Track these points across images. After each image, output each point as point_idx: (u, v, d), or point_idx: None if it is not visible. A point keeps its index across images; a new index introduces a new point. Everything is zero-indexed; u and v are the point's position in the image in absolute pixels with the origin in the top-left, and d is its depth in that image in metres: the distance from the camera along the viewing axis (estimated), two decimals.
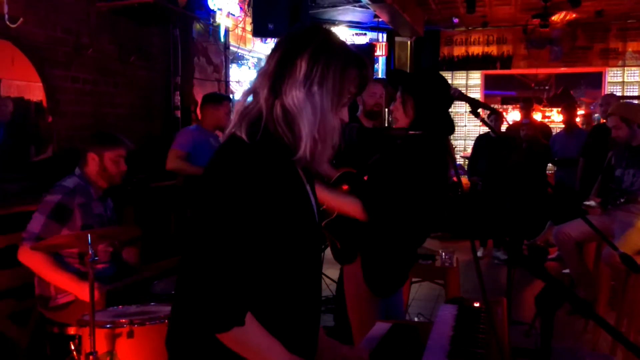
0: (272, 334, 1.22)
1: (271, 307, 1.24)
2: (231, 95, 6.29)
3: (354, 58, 1.24)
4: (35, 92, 3.64)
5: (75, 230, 2.62)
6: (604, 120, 5.27)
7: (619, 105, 4.19)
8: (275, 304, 1.25)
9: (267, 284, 1.22)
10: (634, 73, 9.49)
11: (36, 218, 2.61)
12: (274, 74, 1.20)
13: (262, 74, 1.24)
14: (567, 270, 5.44)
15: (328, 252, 5.05)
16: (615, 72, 9.55)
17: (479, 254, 6.40)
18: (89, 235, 2.26)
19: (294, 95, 1.17)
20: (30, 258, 2.57)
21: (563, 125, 6.43)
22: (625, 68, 9.48)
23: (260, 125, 1.19)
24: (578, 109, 7.57)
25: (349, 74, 1.22)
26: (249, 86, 1.27)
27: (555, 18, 8.15)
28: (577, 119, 6.98)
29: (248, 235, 1.14)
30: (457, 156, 9.35)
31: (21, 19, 3.41)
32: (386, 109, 6.89)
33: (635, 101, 8.03)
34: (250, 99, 1.25)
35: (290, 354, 1.24)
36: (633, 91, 9.43)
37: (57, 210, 2.61)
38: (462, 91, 2.42)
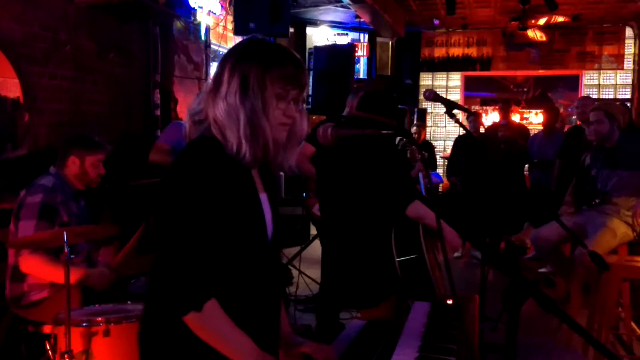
0: None
1: (225, 299, 1.31)
2: None
3: (273, 58, 1.34)
4: (12, 88, 3.59)
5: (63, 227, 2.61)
6: (580, 122, 5.37)
7: (604, 102, 4.27)
8: (227, 296, 1.32)
9: (219, 275, 1.31)
10: (610, 76, 9.67)
11: (25, 224, 2.58)
12: (210, 91, 1.36)
13: (206, 91, 1.39)
14: (543, 269, 5.53)
15: (308, 252, 5.07)
16: (592, 75, 9.73)
17: (458, 253, 6.47)
18: (64, 232, 2.24)
19: (219, 107, 1.32)
20: (32, 264, 2.55)
21: (542, 127, 6.52)
22: (601, 71, 9.66)
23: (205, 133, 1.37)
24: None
25: (270, 74, 1.33)
26: (198, 101, 1.41)
27: (531, 34, 8.30)
28: None
29: (195, 225, 1.27)
30: (437, 156, 9.44)
31: None
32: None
33: None
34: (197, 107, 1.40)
35: (255, 346, 1.30)
36: (609, 94, 9.62)
37: (43, 210, 2.59)
38: (442, 92, 2.51)
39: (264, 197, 1.42)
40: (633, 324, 3.60)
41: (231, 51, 1.39)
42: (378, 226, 2.34)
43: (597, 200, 3.88)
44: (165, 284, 1.27)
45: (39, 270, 2.57)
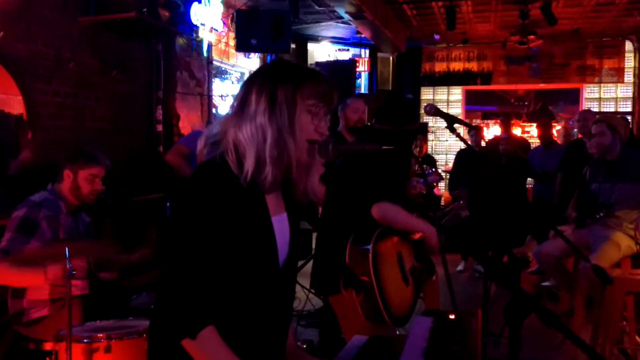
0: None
1: (228, 323, 1.31)
2: (214, 110, 6.31)
3: (305, 75, 1.33)
4: (15, 105, 3.62)
5: (46, 242, 2.61)
6: (581, 136, 5.38)
7: (606, 114, 4.27)
8: (230, 320, 1.31)
9: (222, 301, 1.31)
10: (610, 89, 9.71)
11: (5, 235, 2.60)
12: (234, 114, 1.33)
13: (230, 115, 1.35)
14: (546, 283, 5.51)
15: (310, 267, 5.04)
16: (592, 88, 9.77)
17: (461, 267, 6.45)
18: (67, 249, 2.24)
19: (245, 128, 1.29)
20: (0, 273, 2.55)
21: (539, 141, 6.56)
22: (602, 85, 9.70)
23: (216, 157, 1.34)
24: (553, 125, 7.71)
25: (300, 92, 1.30)
26: (216, 124, 1.39)
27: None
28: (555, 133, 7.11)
29: (195, 252, 1.26)
30: (439, 170, 9.45)
31: (2, 33, 3.40)
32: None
33: None
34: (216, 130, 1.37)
35: None
36: (609, 107, 9.65)
37: (22, 224, 2.60)
38: (443, 106, 2.56)
39: (279, 219, 1.40)
40: (637, 338, 3.57)
41: (257, 72, 1.37)
42: (349, 221, 2.39)
43: (601, 214, 3.86)
44: (163, 308, 1.28)
45: (5, 277, 2.55)
